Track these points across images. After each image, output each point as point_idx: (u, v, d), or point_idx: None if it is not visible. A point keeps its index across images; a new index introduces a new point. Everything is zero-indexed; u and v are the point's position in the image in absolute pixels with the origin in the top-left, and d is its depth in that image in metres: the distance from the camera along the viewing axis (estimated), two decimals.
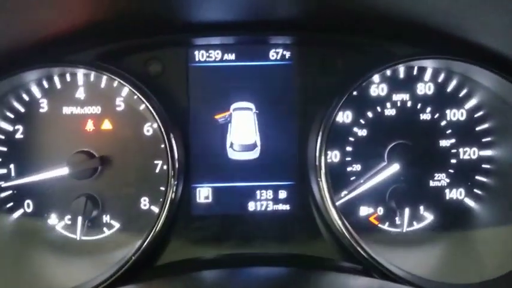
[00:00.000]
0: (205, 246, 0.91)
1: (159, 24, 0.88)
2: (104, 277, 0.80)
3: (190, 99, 0.92)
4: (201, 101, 0.93)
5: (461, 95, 0.92)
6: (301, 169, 0.92)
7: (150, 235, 0.83)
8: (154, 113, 0.84)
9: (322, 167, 0.83)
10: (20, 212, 0.92)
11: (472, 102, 0.92)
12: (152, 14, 0.84)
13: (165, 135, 0.84)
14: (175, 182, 0.85)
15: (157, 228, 0.84)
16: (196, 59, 0.92)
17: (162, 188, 0.91)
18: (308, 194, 0.91)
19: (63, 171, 0.89)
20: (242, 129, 0.93)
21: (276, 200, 0.94)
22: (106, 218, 0.93)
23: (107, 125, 0.92)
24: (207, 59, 0.93)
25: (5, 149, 0.91)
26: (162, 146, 0.90)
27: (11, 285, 0.81)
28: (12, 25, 0.74)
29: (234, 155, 0.93)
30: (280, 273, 0.68)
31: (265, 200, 0.94)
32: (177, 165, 0.85)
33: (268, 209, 0.94)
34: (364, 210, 0.93)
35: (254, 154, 0.93)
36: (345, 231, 0.82)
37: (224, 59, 0.93)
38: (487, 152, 0.93)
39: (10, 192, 0.92)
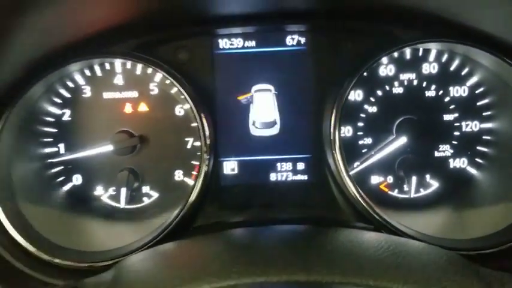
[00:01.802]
0: (232, 212, 1.00)
1: (187, 18, 0.98)
2: (147, 239, 0.90)
3: (215, 83, 1.02)
4: (225, 84, 1.02)
5: (463, 73, 0.99)
6: (316, 143, 1.01)
7: (187, 203, 0.93)
8: (186, 96, 0.94)
9: (337, 141, 0.92)
10: (69, 185, 1.04)
11: (473, 80, 0.99)
12: (182, 10, 0.94)
13: (196, 115, 0.94)
14: (208, 157, 0.96)
15: (193, 197, 0.94)
16: (220, 47, 1.01)
17: (193, 162, 1.03)
18: (324, 165, 1.01)
19: (107, 148, 1.01)
20: (263, 109, 1.02)
21: (294, 171, 1.04)
22: (145, 189, 1.04)
23: (143, 107, 1.03)
24: (230, 47, 1.02)
25: (54, 130, 1.02)
26: (193, 125, 1.01)
27: (66, 246, 0.92)
28: (61, 26, 0.85)
29: (256, 131, 1.03)
30: (300, 229, 0.78)
31: (285, 171, 1.04)
32: (208, 142, 0.95)
33: (288, 179, 1.04)
34: (375, 179, 1.02)
35: (274, 130, 1.03)
36: (358, 197, 0.91)
37: (245, 46, 1.01)
38: (487, 125, 1.00)
39: (60, 168, 1.03)
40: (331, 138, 0.93)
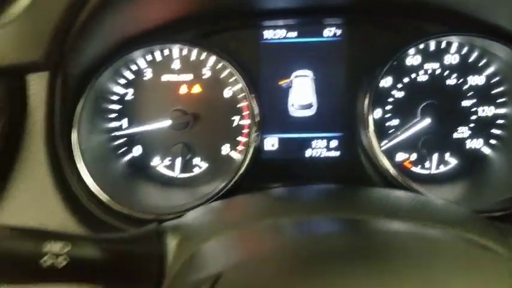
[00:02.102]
0: (272, 184, 1.13)
1: (237, 12, 1.12)
2: (199, 202, 1.03)
3: (260, 69, 1.14)
4: (269, 70, 1.15)
5: (480, 64, 1.11)
6: (348, 123, 1.13)
7: (236, 174, 1.06)
8: (239, 77, 1.08)
9: (370, 121, 1.05)
10: (130, 155, 1.18)
11: (489, 70, 1.11)
12: (232, 5, 1.08)
13: (248, 95, 1.08)
14: (257, 133, 1.10)
15: (242, 169, 1.08)
16: (265, 37, 1.14)
17: (238, 138, 1.17)
18: (355, 143, 1.13)
19: (164, 123, 1.16)
20: (301, 92, 1.15)
21: (328, 148, 1.17)
22: (196, 160, 1.18)
23: (196, 89, 1.17)
24: (273, 37, 1.14)
25: (118, 107, 1.17)
26: (239, 105, 1.15)
27: (127, 206, 1.04)
28: (133, 20, 1.00)
29: (295, 112, 1.16)
30: (337, 187, 0.91)
31: (319, 148, 1.17)
32: (256, 120, 1.10)
33: (322, 155, 1.16)
34: (400, 156, 1.14)
35: (311, 112, 1.16)
36: (389, 168, 1.04)
37: (287, 36, 1.14)
38: (501, 110, 1.11)
39: (122, 140, 1.17)
40: (366, 118, 1.06)
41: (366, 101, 1.06)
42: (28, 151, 0.94)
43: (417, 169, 1.15)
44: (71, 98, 1.03)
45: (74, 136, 1.02)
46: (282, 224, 0.61)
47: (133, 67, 1.16)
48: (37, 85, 0.94)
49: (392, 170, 1.03)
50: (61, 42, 0.89)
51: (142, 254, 0.61)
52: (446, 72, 1.13)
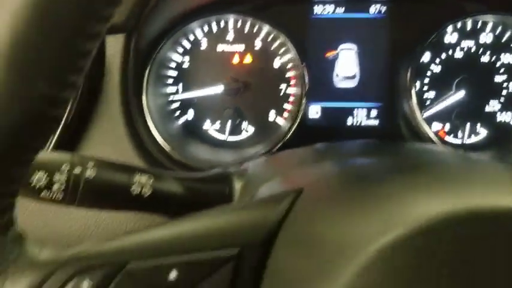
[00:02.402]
0: None
1: None
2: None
3: (309, 42, 1.23)
4: (317, 43, 1.23)
5: None
6: (388, 95, 1.23)
7: (283, 139, 1.17)
8: (291, 47, 1.18)
9: (413, 93, 1.16)
10: (184, 118, 1.28)
11: None
12: None
13: (300, 64, 1.18)
14: (305, 101, 1.20)
15: (288, 135, 1.19)
16: (315, 12, 1.23)
17: (285, 106, 1.27)
18: (394, 113, 1.23)
19: (217, 89, 1.26)
20: (346, 64, 1.24)
21: (368, 117, 1.26)
22: (245, 125, 1.28)
23: (248, 58, 1.26)
24: (323, 12, 1.24)
25: (176, 73, 1.27)
26: (287, 75, 1.25)
27: (187, 158, 1.16)
28: None
29: (339, 83, 1.26)
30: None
31: (360, 117, 1.27)
32: (306, 88, 1.20)
33: (362, 123, 1.26)
34: (435, 126, 1.23)
35: (354, 83, 1.25)
36: (430, 135, 1.14)
37: (335, 12, 1.23)
38: None
39: (178, 104, 1.28)
40: (408, 90, 1.16)
41: (408, 74, 1.16)
42: (106, 108, 1.04)
43: (450, 138, 1.25)
44: (140, 63, 1.13)
45: (144, 97, 1.13)
46: (344, 158, 0.68)
47: (191, 37, 1.25)
48: (114, 46, 1.04)
49: (432, 136, 1.13)
50: (141, 8, 0.99)
51: (213, 192, 0.70)
52: (481, 50, 1.22)
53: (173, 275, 0.37)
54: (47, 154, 0.64)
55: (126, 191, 0.65)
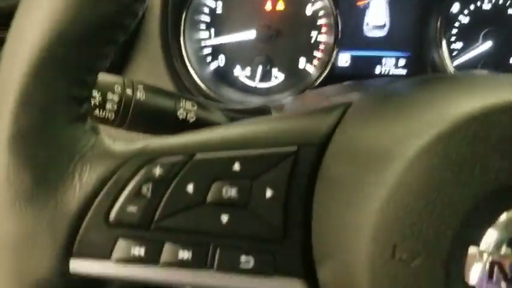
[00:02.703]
0: None
1: None
2: None
3: None
4: None
5: None
6: (416, 45, 1.26)
7: (312, 85, 1.21)
8: None
9: (443, 42, 1.20)
10: (215, 64, 1.30)
11: None
12: None
13: (334, 11, 1.20)
14: (337, 50, 1.23)
15: (318, 81, 1.22)
16: None
17: (315, 54, 1.29)
18: (422, 62, 1.26)
19: (249, 35, 1.29)
20: (376, 14, 1.27)
21: (396, 66, 1.30)
22: (275, 71, 1.30)
23: (280, 6, 1.28)
24: None
25: (208, 18, 1.28)
26: (318, 22, 1.28)
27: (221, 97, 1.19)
28: None
29: (369, 32, 1.28)
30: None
31: (388, 66, 1.31)
32: (339, 36, 1.22)
33: (390, 72, 1.29)
34: None
35: (383, 32, 1.27)
36: None
37: None
38: None
39: (210, 49, 1.30)
40: (438, 39, 1.20)
41: (438, 24, 1.19)
42: (147, 49, 1.07)
43: None
44: (177, 8, 1.15)
45: (181, 40, 1.15)
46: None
47: None
48: None
49: None
50: None
51: None
52: (508, 2, 1.25)
53: (236, 166, 0.40)
54: (100, 75, 0.67)
55: (173, 114, 0.68)
